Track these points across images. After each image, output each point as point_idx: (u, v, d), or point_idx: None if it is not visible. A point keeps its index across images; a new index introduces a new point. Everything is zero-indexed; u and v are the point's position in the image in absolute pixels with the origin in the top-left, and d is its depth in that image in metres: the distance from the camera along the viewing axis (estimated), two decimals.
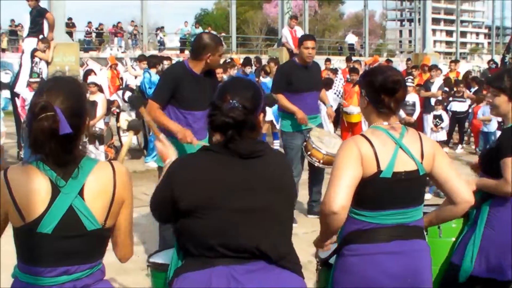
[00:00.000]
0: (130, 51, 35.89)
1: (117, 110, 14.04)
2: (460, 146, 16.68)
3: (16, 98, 13.77)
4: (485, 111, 14.78)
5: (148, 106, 6.43)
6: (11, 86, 14.86)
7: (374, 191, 3.51)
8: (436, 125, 15.12)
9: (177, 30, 43.01)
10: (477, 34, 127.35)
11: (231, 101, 3.08)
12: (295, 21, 18.78)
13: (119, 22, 41.02)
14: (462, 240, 4.46)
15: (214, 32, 40.54)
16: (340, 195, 3.40)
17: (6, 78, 19.60)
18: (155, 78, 13.67)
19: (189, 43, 39.91)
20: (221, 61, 6.48)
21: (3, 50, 33.45)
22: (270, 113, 14.59)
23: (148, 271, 4.39)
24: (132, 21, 42.71)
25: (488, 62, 24.20)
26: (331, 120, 9.51)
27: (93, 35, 39.31)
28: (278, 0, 23.43)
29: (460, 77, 19.68)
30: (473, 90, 17.53)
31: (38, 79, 13.28)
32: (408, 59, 22.48)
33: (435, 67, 17.24)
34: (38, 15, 14.58)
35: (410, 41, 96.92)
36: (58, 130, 2.62)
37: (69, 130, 2.63)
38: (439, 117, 15.18)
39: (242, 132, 3.09)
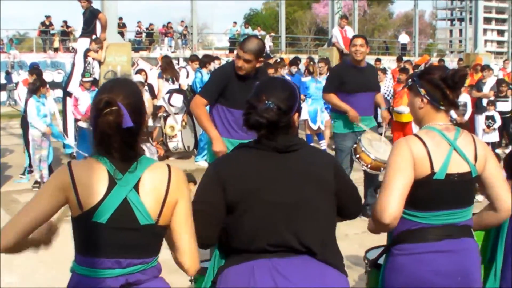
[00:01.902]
0: (180, 51, 36.16)
1: (164, 115, 14.14)
2: (510, 147, 16.37)
3: (67, 98, 13.98)
4: None
5: (194, 101, 6.54)
6: (64, 85, 15.11)
7: (426, 192, 3.50)
8: (488, 126, 14.92)
9: (226, 30, 43.17)
10: None
11: (266, 101, 3.14)
12: (345, 21, 18.68)
13: (169, 22, 41.36)
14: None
15: (263, 33, 40.79)
16: (392, 205, 3.40)
17: (58, 77, 19.90)
18: (207, 77, 13.73)
19: (238, 43, 39.96)
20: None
21: (56, 50, 34.06)
22: (305, 112, 14.56)
23: (191, 276, 4.41)
24: (182, 21, 43.01)
25: None
26: (386, 123, 9.42)
27: (143, 35, 39.69)
28: (328, 0, 23.38)
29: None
30: None
31: (90, 79, 13.49)
32: (460, 59, 22.21)
33: (487, 67, 17.00)
34: (91, 16, 14.82)
35: (460, 41, 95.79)
36: (121, 124, 2.75)
37: (131, 123, 2.77)
38: (491, 118, 14.97)
39: (276, 132, 3.16)
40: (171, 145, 14.28)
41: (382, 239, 3.96)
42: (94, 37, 14.64)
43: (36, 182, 11.49)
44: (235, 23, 44.01)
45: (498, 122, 15.00)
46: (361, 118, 8.64)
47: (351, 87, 8.60)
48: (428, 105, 3.64)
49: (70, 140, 14.32)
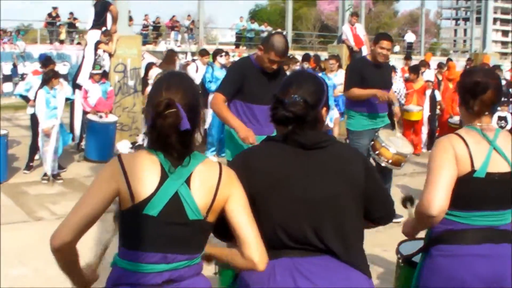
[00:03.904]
0: (186, 45, 36.11)
1: None
2: None
3: (76, 90, 13.91)
4: None
5: (213, 98, 6.47)
6: (73, 77, 15.03)
7: (467, 191, 3.49)
8: (501, 127, 14.83)
9: (232, 25, 43.13)
10: None
11: (293, 95, 3.10)
12: (356, 18, 18.64)
13: (174, 16, 41.32)
14: None
15: (269, 28, 40.75)
16: (438, 198, 3.41)
17: (64, 69, 19.80)
18: (218, 73, 13.70)
19: (245, 38, 40.03)
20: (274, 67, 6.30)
21: (61, 42, 34.00)
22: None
23: (216, 269, 4.35)
24: (189, 15, 42.97)
25: None
26: (397, 119, 9.32)
27: (150, 28, 39.62)
28: None
29: None
30: None
31: (100, 71, 13.49)
32: (469, 59, 22.15)
33: (497, 68, 16.89)
34: (102, 8, 14.73)
35: (464, 41, 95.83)
36: (180, 125, 2.77)
37: (188, 126, 2.78)
38: (504, 119, 14.91)
39: (303, 126, 3.11)
40: None
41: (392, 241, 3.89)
42: (104, 29, 14.55)
43: (45, 174, 11.40)
44: (241, 18, 44.02)
45: (510, 123, 14.94)
46: (378, 116, 8.58)
47: (368, 84, 8.51)
48: (461, 106, 3.71)
49: (77, 132, 14.27)
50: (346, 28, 18.46)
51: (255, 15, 68.83)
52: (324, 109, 3.24)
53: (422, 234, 3.87)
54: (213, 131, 13.86)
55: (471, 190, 3.49)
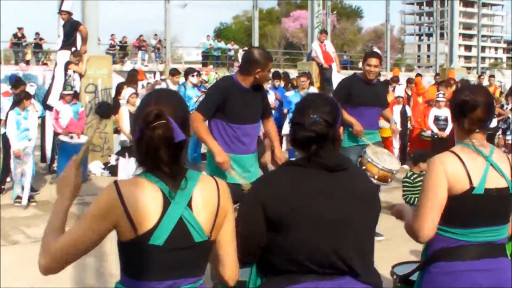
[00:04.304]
0: (153, 64, 36.02)
1: None
2: None
3: (47, 111, 13.79)
4: None
5: (193, 117, 6.41)
6: (42, 99, 14.89)
7: (465, 208, 3.50)
8: None
9: (199, 44, 43.10)
10: (496, 49, 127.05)
11: (312, 116, 3.10)
12: (325, 35, 18.72)
13: (141, 35, 41.21)
14: None
15: (236, 46, 40.77)
16: (428, 226, 3.51)
17: (31, 90, 19.56)
18: (191, 92, 13.70)
19: (211, 56, 40.04)
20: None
21: (27, 63, 33.69)
22: (288, 127, 14.50)
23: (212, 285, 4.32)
24: (156, 34, 42.90)
25: None
26: (395, 136, 9.36)
27: (117, 48, 39.44)
28: (306, 11, 23.26)
29: (497, 93, 19.61)
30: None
31: (71, 92, 13.34)
32: (437, 74, 22.39)
33: (465, 82, 17.08)
34: (71, 28, 14.61)
35: (428, 56, 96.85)
36: (171, 137, 2.65)
37: (183, 136, 2.68)
38: None
39: (325, 145, 3.11)
40: None
41: (399, 255, 3.90)
42: (73, 49, 14.45)
43: (18, 197, 11.24)
44: (208, 36, 44.05)
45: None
46: (366, 132, 8.59)
47: (357, 101, 8.56)
48: (454, 122, 3.75)
49: (48, 153, 14.14)
50: (316, 45, 18.52)
51: (220, 34, 68.91)
52: (341, 127, 3.29)
53: (413, 257, 3.89)
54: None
55: (470, 207, 3.50)
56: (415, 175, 9.64)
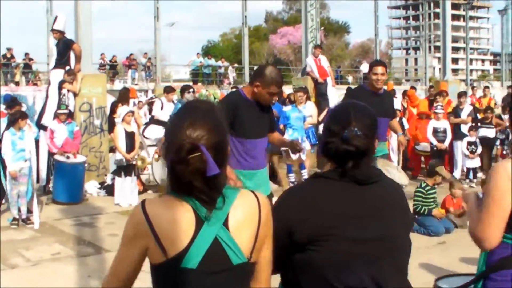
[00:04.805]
0: (143, 82, 35.85)
1: None
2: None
3: (41, 131, 13.60)
4: None
5: None
6: (37, 119, 14.68)
7: None
8: (472, 152, 14.96)
9: (189, 62, 43.00)
10: (483, 61, 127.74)
11: (353, 128, 2.86)
12: (320, 50, 18.58)
13: (131, 54, 41.09)
14: None
15: (226, 64, 40.76)
16: (495, 235, 3.39)
17: None
18: None
19: (202, 74, 39.95)
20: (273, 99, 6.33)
21: (17, 83, 33.45)
22: None
23: None
24: (145, 53, 42.75)
25: (509, 88, 24.09)
26: (403, 148, 9.18)
27: (107, 67, 39.28)
28: (301, 27, 23.10)
29: (492, 104, 19.62)
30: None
31: (66, 111, 13.18)
32: (431, 86, 22.35)
33: (464, 94, 17.04)
34: (64, 47, 14.46)
35: (416, 69, 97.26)
36: (205, 171, 2.42)
37: (216, 170, 2.43)
38: (474, 144, 15.04)
39: (363, 161, 2.88)
40: (143, 178, 13.93)
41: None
42: (67, 68, 14.28)
43: (14, 219, 11.00)
44: (198, 54, 43.98)
45: (479, 148, 15.09)
46: None
47: None
48: None
49: (43, 174, 13.94)
50: (310, 60, 18.36)
51: (208, 51, 68.94)
52: (376, 141, 3.04)
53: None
54: None
55: None
56: (429, 187, 9.57)
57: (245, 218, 2.57)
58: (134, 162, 12.83)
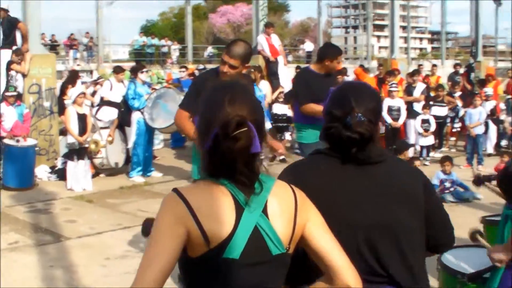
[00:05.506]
0: (85, 63, 35.15)
1: None
2: (439, 150, 16.41)
3: None
4: (472, 114, 14.79)
5: (177, 115, 6.16)
6: None
7: None
8: (426, 130, 15.01)
9: (132, 41, 42.37)
10: (421, 39, 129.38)
11: (356, 114, 2.69)
12: (272, 28, 18.39)
13: (72, 34, 40.18)
14: None
15: (170, 43, 40.32)
16: None
17: None
18: (141, 89, 13.22)
19: (145, 53, 39.39)
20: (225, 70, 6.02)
21: None
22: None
23: None
24: (87, 32, 41.78)
25: (455, 66, 24.25)
26: None
27: (47, 47, 38.37)
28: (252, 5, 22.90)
29: (441, 81, 19.79)
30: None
31: (15, 93, 12.74)
32: (380, 65, 22.35)
33: (417, 72, 17.12)
34: (9, 25, 13.96)
35: (355, 48, 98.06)
36: (250, 148, 2.25)
37: (260, 148, 2.28)
38: (427, 122, 15.10)
39: (366, 147, 2.72)
40: (97, 161, 13.52)
41: None
42: (15, 48, 13.75)
43: None
44: (141, 33, 43.42)
45: (433, 125, 15.15)
46: None
47: (319, 96, 8.14)
48: None
49: None
50: (262, 38, 18.10)
51: (147, 31, 68.04)
52: (380, 123, 2.85)
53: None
54: (138, 150, 13.29)
55: None
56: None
57: (283, 206, 2.39)
58: (87, 145, 12.43)
